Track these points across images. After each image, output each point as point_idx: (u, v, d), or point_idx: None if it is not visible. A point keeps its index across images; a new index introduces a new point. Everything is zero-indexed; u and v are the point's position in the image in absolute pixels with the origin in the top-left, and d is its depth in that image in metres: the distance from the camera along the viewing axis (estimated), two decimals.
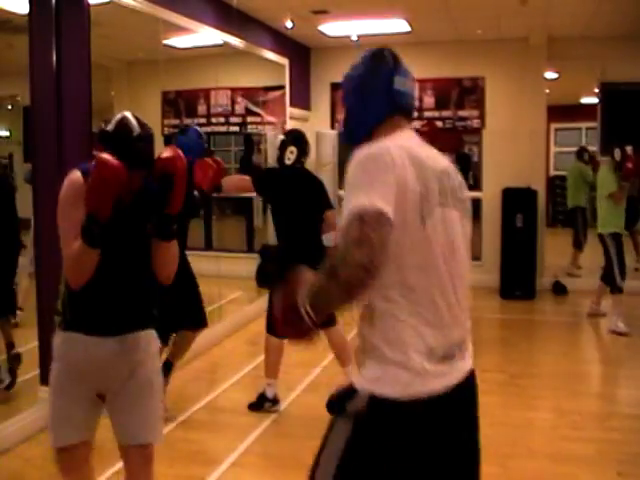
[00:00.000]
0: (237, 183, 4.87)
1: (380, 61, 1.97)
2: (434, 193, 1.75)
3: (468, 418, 1.96)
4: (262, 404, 4.68)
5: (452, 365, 1.80)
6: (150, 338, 2.62)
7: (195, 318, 4.68)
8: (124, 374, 2.49)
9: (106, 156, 2.27)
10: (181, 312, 4.57)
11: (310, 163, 9.55)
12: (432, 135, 6.77)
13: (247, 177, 4.63)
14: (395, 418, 1.72)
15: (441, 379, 1.76)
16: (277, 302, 1.70)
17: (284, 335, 1.89)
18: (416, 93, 1.99)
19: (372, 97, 1.94)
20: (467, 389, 1.91)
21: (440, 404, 1.76)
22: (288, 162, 4.58)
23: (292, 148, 4.58)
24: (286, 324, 1.69)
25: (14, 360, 4.69)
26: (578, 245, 9.40)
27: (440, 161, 1.87)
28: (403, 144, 1.79)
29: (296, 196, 4.56)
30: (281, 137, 4.79)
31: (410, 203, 1.69)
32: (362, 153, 1.72)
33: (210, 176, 4.31)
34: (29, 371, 4.69)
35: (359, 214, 1.58)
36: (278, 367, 4.70)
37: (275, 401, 4.72)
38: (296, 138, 4.69)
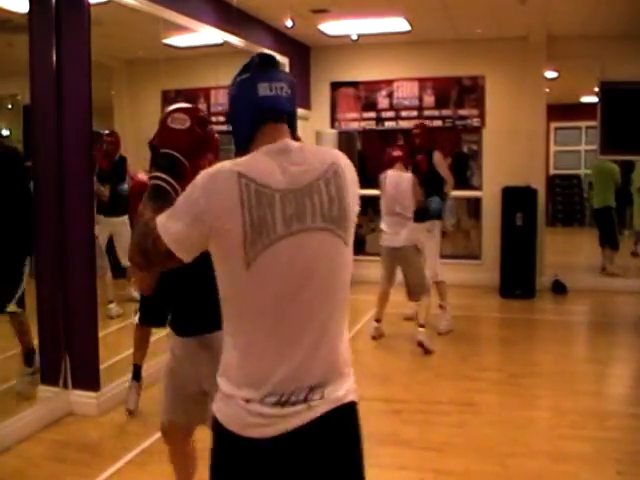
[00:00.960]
0: None
1: (244, 71, 1.82)
2: (271, 224, 1.64)
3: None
4: None
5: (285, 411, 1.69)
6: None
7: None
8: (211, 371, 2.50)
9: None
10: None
11: None
12: (425, 136, 6.76)
13: None
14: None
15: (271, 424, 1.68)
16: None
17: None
18: (281, 93, 1.78)
19: (240, 110, 1.81)
20: (306, 438, 1.71)
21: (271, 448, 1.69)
22: None
23: None
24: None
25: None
26: (612, 245, 9.42)
27: (307, 176, 1.71)
28: (251, 163, 1.70)
29: None
30: None
31: (230, 244, 1.64)
32: (198, 176, 1.68)
33: None
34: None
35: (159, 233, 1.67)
36: None
37: None
38: None
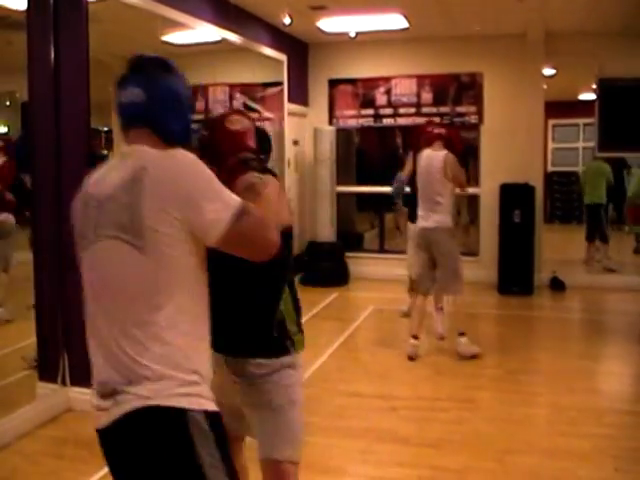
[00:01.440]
0: None
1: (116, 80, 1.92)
2: (85, 229, 1.84)
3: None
4: None
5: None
6: (266, 362, 2.38)
7: None
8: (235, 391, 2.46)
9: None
10: None
11: (308, 159, 9.61)
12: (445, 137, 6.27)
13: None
14: None
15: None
16: None
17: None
18: (123, 98, 1.86)
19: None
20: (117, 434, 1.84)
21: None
22: None
23: None
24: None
25: None
26: (603, 239, 9.57)
27: (113, 183, 1.77)
28: (98, 171, 1.90)
29: None
30: None
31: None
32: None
33: None
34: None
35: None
36: None
37: None
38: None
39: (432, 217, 5.70)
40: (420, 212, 5.83)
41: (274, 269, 2.25)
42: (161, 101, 1.86)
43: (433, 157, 5.74)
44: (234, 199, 1.76)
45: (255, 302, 2.37)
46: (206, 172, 1.75)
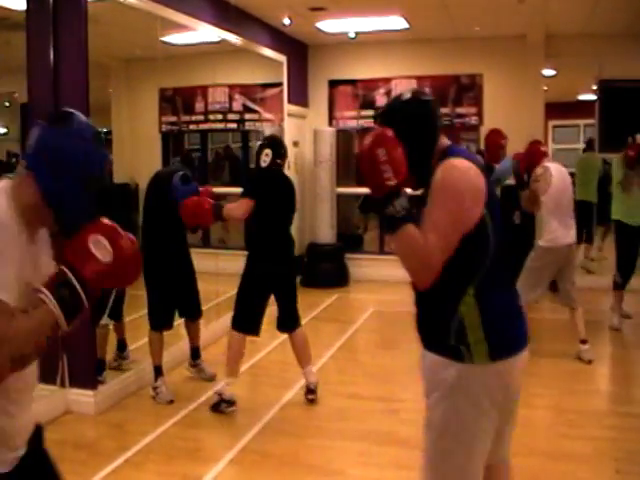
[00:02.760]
0: (238, 214, 4.73)
1: None
2: None
3: None
4: (220, 405, 4.69)
5: None
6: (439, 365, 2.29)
7: (192, 309, 5.23)
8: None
9: None
10: (180, 302, 5.11)
11: (308, 160, 9.60)
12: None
13: (246, 201, 4.56)
14: None
15: None
16: None
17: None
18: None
19: None
20: None
21: None
22: (264, 164, 4.69)
23: (267, 151, 4.70)
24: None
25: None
26: (589, 239, 9.43)
27: None
28: None
29: (270, 197, 4.63)
30: (259, 142, 4.99)
31: None
32: None
33: (193, 220, 4.59)
34: None
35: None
36: (239, 365, 4.76)
37: (231, 402, 4.69)
38: (271, 142, 4.88)
39: (570, 232, 5.82)
40: (559, 228, 5.79)
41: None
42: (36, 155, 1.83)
43: (562, 172, 5.90)
44: None
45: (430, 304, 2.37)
46: None
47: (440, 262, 2.06)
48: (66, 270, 1.70)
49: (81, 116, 1.89)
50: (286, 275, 4.79)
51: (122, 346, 5.28)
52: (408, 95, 2.31)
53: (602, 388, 5.41)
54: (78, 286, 1.68)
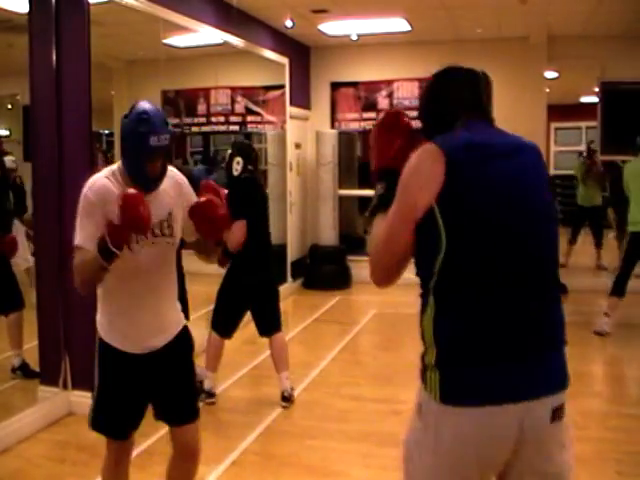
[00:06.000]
0: (239, 239, 4.54)
1: None
2: None
3: None
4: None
5: None
6: None
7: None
8: None
9: None
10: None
11: (310, 162, 9.61)
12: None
13: (242, 222, 4.46)
14: None
15: None
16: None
17: None
18: None
19: None
20: None
21: None
22: (236, 173, 4.66)
23: (238, 159, 4.67)
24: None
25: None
26: (572, 241, 9.53)
27: None
28: None
29: (247, 206, 4.57)
30: (228, 151, 4.86)
31: None
32: None
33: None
34: None
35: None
36: (218, 361, 4.85)
37: (211, 394, 4.83)
38: (240, 148, 4.81)
39: None
40: None
41: None
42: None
43: None
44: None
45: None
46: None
47: (385, 254, 1.84)
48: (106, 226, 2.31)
49: (142, 104, 2.51)
50: (267, 282, 4.81)
51: None
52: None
53: (604, 389, 5.41)
54: (107, 238, 2.27)
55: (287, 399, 4.80)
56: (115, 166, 2.60)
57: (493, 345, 1.73)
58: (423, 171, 1.77)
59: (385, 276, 1.88)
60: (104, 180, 2.54)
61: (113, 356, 2.73)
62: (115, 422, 2.78)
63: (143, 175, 2.51)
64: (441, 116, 1.93)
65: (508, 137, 1.98)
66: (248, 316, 4.91)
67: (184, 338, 2.81)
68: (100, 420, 2.79)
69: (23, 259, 5.02)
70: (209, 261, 2.90)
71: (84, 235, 2.44)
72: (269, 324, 4.83)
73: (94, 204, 2.47)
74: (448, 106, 1.93)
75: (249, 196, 4.66)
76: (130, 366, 2.69)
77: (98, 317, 2.78)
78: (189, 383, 2.84)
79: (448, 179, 1.73)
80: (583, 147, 13.93)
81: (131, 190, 2.34)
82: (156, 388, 2.75)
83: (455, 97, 1.93)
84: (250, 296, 4.75)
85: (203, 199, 2.58)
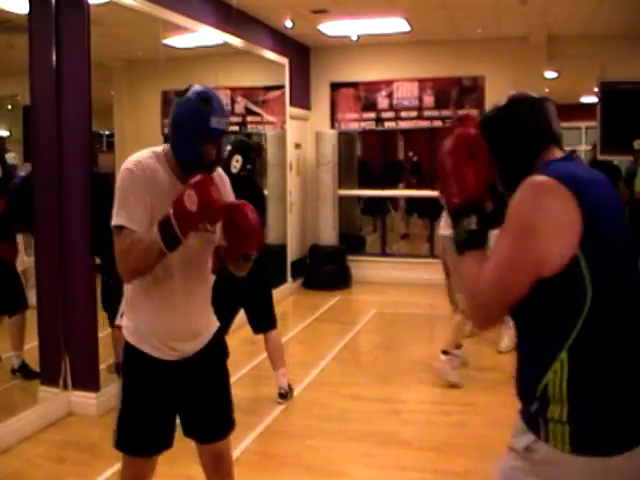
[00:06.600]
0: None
1: None
2: None
3: None
4: None
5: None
6: None
7: None
8: None
9: None
10: None
11: (310, 162, 9.61)
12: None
13: None
14: None
15: None
16: None
17: None
18: None
19: None
20: None
21: None
22: (234, 170, 4.63)
23: (237, 157, 4.66)
24: None
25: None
26: None
27: None
28: None
29: None
30: (228, 147, 4.82)
31: None
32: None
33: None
34: None
35: None
36: None
37: None
38: (240, 146, 4.79)
39: None
40: None
41: None
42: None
43: None
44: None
45: None
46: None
47: (493, 301, 1.66)
48: (170, 211, 2.15)
49: (199, 86, 2.34)
50: (259, 280, 4.76)
51: None
52: (504, 101, 1.97)
53: None
54: (175, 223, 2.12)
55: (284, 396, 4.81)
56: (160, 148, 2.39)
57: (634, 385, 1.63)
58: (555, 215, 1.56)
59: (490, 321, 1.76)
60: (150, 160, 2.33)
61: (143, 364, 2.43)
62: (144, 437, 2.48)
63: (197, 158, 2.28)
64: (526, 148, 1.78)
65: (586, 167, 1.80)
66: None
67: (217, 343, 2.59)
68: (127, 437, 2.47)
69: (19, 262, 5.03)
70: (236, 273, 2.61)
71: (127, 213, 2.22)
72: (263, 322, 4.84)
73: (142, 181, 2.26)
74: (536, 137, 1.79)
75: (246, 195, 4.66)
76: (161, 374, 2.43)
77: (125, 322, 2.48)
78: (225, 392, 2.60)
79: (588, 223, 1.55)
80: (583, 147, 13.99)
81: (199, 176, 2.16)
82: (188, 398, 2.51)
83: (540, 127, 1.81)
84: (243, 294, 4.73)
85: (244, 207, 2.44)
